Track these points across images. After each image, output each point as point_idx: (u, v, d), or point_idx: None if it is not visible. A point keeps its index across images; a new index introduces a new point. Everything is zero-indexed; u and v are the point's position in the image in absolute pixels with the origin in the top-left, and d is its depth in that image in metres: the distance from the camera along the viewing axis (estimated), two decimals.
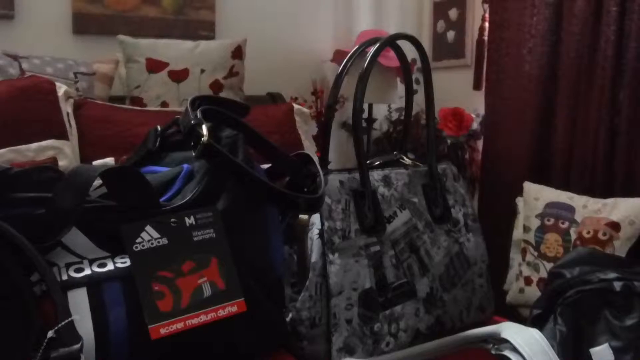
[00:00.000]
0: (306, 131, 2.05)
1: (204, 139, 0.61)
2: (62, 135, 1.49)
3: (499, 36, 2.02)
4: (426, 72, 0.87)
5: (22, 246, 0.50)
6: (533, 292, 1.77)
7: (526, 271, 1.80)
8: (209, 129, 0.62)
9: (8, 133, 1.37)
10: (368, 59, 0.80)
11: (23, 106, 1.44)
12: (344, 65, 0.87)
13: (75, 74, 1.78)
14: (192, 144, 0.62)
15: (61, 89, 1.55)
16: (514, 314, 1.80)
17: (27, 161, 1.33)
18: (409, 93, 0.91)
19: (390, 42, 0.83)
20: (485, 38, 2.18)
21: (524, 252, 1.82)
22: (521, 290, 1.81)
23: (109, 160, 1.44)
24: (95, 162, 1.44)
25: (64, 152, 1.44)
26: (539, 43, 1.84)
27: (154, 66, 1.92)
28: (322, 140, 0.84)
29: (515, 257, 1.88)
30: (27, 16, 2.01)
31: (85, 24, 2.10)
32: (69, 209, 0.52)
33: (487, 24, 2.17)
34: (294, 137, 1.87)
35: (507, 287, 1.88)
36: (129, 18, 2.17)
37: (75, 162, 1.48)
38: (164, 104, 1.91)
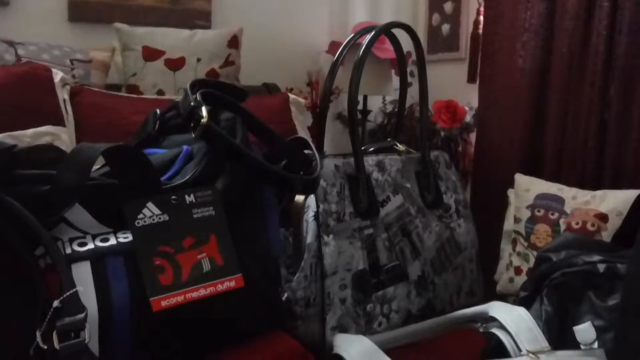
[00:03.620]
0: (302, 121, 2.07)
1: (204, 120, 0.62)
2: (59, 121, 1.49)
3: (493, 30, 2.04)
4: (420, 59, 0.88)
5: (27, 220, 0.51)
6: (522, 282, 1.80)
7: (516, 261, 1.83)
8: (208, 112, 0.64)
9: (5, 119, 1.37)
10: (363, 47, 0.82)
11: (20, 92, 1.44)
12: (339, 54, 0.88)
13: (71, 61, 1.78)
14: (192, 125, 0.64)
15: (58, 75, 1.56)
16: None
17: (23, 147, 1.33)
18: (404, 79, 0.93)
19: (386, 30, 0.85)
20: (480, 31, 2.20)
21: (514, 242, 1.84)
22: (511, 280, 1.83)
23: None
24: None
25: (61, 139, 1.45)
26: (532, 37, 1.86)
27: (150, 54, 1.92)
28: (317, 128, 0.86)
29: (505, 247, 1.90)
30: (22, 3, 2.00)
31: (80, 12, 2.10)
32: (72, 186, 0.53)
33: (482, 18, 2.19)
34: (289, 127, 1.88)
35: (497, 277, 1.91)
36: (125, 6, 2.17)
37: (72, 148, 1.48)
38: (160, 92, 1.92)
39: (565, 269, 0.70)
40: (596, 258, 0.69)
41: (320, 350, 0.76)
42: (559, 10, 1.77)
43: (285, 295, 0.78)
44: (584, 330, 0.63)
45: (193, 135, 0.64)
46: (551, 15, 1.80)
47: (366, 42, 0.82)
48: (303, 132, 2.02)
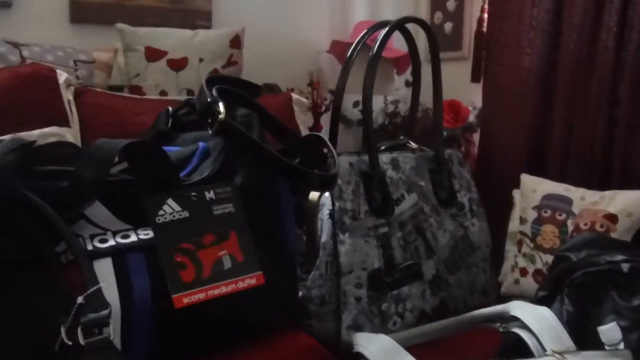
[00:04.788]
0: (304, 121, 2.06)
1: (221, 116, 0.62)
2: (64, 122, 1.48)
3: (498, 27, 2.03)
4: (434, 56, 0.88)
5: (48, 216, 0.50)
6: (528, 283, 1.79)
7: (522, 262, 1.82)
8: (225, 107, 0.63)
9: (11, 120, 1.36)
10: (378, 41, 0.81)
11: (25, 93, 1.43)
12: (350, 54, 0.88)
13: (75, 62, 1.77)
14: (209, 121, 0.63)
15: (62, 76, 1.55)
16: None
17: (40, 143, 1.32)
18: (417, 77, 0.92)
19: (400, 25, 0.85)
20: (484, 29, 2.19)
21: (519, 243, 1.83)
22: (516, 282, 1.83)
23: None
24: None
25: (66, 139, 1.43)
26: (539, 35, 1.85)
27: (153, 55, 1.91)
28: (331, 123, 0.85)
29: (510, 248, 1.89)
30: (24, 4, 1.99)
31: (82, 13, 2.09)
32: (92, 182, 0.52)
33: (486, 15, 2.18)
34: (292, 127, 1.88)
35: (501, 279, 1.90)
36: (126, 7, 2.17)
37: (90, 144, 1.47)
38: (163, 93, 1.91)
39: (587, 268, 0.69)
40: (619, 257, 0.69)
41: (334, 349, 0.76)
42: (567, 6, 1.76)
43: (300, 293, 0.77)
44: (609, 331, 0.63)
45: (210, 132, 0.63)
46: (559, 11, 1.79)
47: (380, 39, 0.82)
48: (305, 132, 2.01)
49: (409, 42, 0.89)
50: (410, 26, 0.87)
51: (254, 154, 0.62)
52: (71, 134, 1.47)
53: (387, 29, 0.82)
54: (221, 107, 0.63)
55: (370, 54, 0.80)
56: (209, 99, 0.64)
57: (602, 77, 1.66)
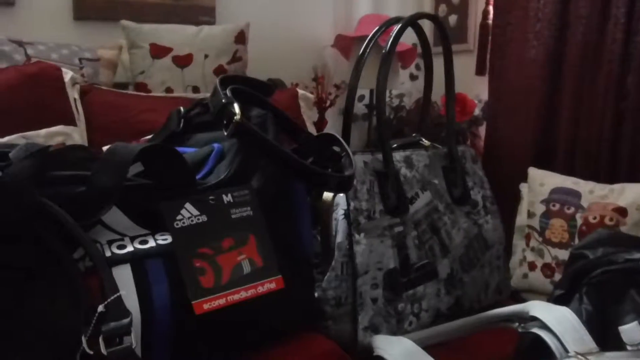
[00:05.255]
0: (310, 117, 2.05)
1: (237, 117, 0.61)
2: (70, 121, 1.48)
3: (504, 20, 2.01)
4: (447, 52, 0.87)
5: (65, 223, 0.50)
6: (537, 278, 1.79)
7: (530, 257, 1.81)
8: (240, 108, 0.62)
9: (17, 119, 1.35)
10: (391, 39, 0.80)
11: (31, 92, 1.42)
12: (363, 51, 0.87)
13: (80, 59, 1.76)
14: (224, 123, 0.62)
15: (68, 74, 1.54)
16: (517, 299, 1.81)
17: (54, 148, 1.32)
18: (429, 73, 0.91)
19: (413, 22, 0.83)
20: (490, 22, 2.17)
21: (527, 237, 1.83)
22: (525, 276, 1.82)
23: None
24: (104, 148, 1.43)
25: (73, 138, 1.43)
26: (545, 27, 1.83)
27: (158, 52, 1.90)
28: (344, 122, 0.85)
29: (518, 243, 1.89)
30: (27, 2, 1.98)
31: (85, 10, 2.07)
32: (109, 187, 0.52)
33: (491, 8, 2.16)
34: (299, 123, 1.87)
35: (510, 273, 1.90)
36: (129, 3, 2.15)
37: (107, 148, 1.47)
38: (169, 90, 1.90)
39: (605, 266, 0.69)
40: (638, 255, 0.68)
41: (351, 350, 0.75)
42: None
43: (316, 295, 0.76)
44: (631, 330, 0.62)
45: (225, 133, 0.63)
46: (566, 2, 1.77)
47: (393, 35, 0.81)
48: (311, 128, 2.00)
49: (421, 39, 0.88)
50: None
51: (270, 155, 0.61)
52: (77, 133, 1.47)
53: (399, 25, 0.81)
54: (236, 108, 0.62)
55: (383, 51, 0.79)
56: (223, 100, 0.63)
57: (610, 69, 1.64)
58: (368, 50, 0.84)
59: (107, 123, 1.59)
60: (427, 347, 0.74)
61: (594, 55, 1.71)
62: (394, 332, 0.78)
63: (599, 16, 1.66)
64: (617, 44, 1.60)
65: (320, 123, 2.39)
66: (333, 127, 2.55)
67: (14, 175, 0.49)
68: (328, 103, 2.43)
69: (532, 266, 1.85)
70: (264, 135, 0.62)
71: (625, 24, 1.58)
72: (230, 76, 0.70)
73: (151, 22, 2.00)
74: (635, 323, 0.63)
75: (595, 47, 1.69)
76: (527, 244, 1.86)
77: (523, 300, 1.92)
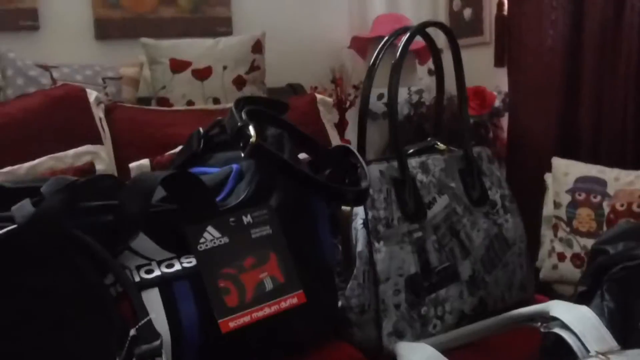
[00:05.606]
0: (330, 120, 2.07)
1: (253, 139, 0.63)
2: (97, 140, 1.53)
3: (519, 10, 2.00)
4: (456, 57, 0.88)
5: (96, 250, 0.53)
6: (567, 268, 1.78)
7: (559, 247, 1.80)
8: (256, 130, 0.65)
9: (46, 141, 1.41)
10: (400, 49, 0.81)
11: (58, 115, 1.48)
12: (376, 56, 0.88)
13: (103, 79, 1.82)
14: (241, 144, 0.65)
15: (92, 95, 1.60)
16: (548, 291, 1.81)
17: (66, 167, 1.37)
18: (440, 80, 0.92)
19: (420, 30, 0.85)
20: (505, 13, 2.16)
21: (555, 228, 1.82)
22: (555, 267, 1.81)
23: (144, 162, 1.48)
24: (131, 165, 1.48)
25: (100, 156, 1.48)
26: (560, 15, 1.82)
27: (177, 66, 1.95)
28: (359, 131, 0.86)
29: (546, 233, 1.88)
30: (51, 26, 2.05)
31: (106, 29, 2.14)
32: (136, 215, 0.55)
33: None
34: (319, 127, 1.89)
35: (539, 265, 1.89)
36: (148, 20, 2.21)
37: (111, 165, 1.52)
38: (190, 103, 1.95)
39: (626, 262, 0.69)
40: None
41: (377, 356, 0.77)
42: None
43: (339, 303, 0.78)
44: None
45: (242, 155, 0.65)
46: None
47: (402, 44, 0.82)
48: (332, 131, 2.02)
49: (431, 47, 0.89)
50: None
51: (286, 174, 0.64)
52: (104, 151, 1.52)
53: (408, 34, 0.82)
54: (252, 130, 0.64)
55: (393, 61, 0.80)
56: (239, 123, 0.66)
57: (629, 54, 1.62)
58: (378, 61, 0.86)
59: (132, 139, 1.64)
60: (451, 350, 0.76)
61: (612, 42, 1.69)
62: (418, 336, 0.80)
63: (616, 2, 1.64)
64: (635, 30, 1.58)
65: (341, 124, 2.41)
66: (354, 127, 2.56)
67: (48, 208, 0.53)
68: (348, 104, 2.45)
69: (561, 257, 1.83)
70: (280, 155, 0.64)
71: None
72: (245, 98, 0.73)
73: (170, 36, 2.05)
74: None
75: (613, 34, 1.67)
76: (555, 235, 1.85)
77: (554, 292, 1.91)
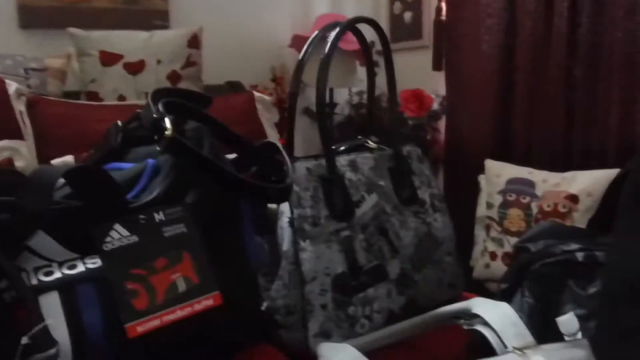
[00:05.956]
0: (269, 119, 2.04)
1: (168, 132, 0.60)
2: (17, 135, 1.44)
3: (456, 16, 2.04)
4: (387, 55, 0.87)
5: None
6: (498, 267, 1.83)
7: (491, 247, 1.85)
8: (172, 123, 0.61)
9: None
10: (329, 44, 0.80)
11: None
12: (304, 51, 0.86)
13: (25, 70, 1.72)
14: (156, 138, 0.61)
15: (11, 86, 1.50)
16: (481, 289, 1.85)
17: None
18: (371, 76, 0.92)
19: (350, 25, 0.84)
20: (443, 18, 2.20)
21: (487, 228, 1.86)
22: (487, 266, 1.86)
23: (69, 159, 1.40)
24: (54, 161, 1.40)
25: (20, 153, 1.39)
26: (495, 22, 1.87)
27: (108, 59, 1.87)
28: (287, 128, 0.84)
29: (479, 233, 1.92)
30: None
31: (32, 17, 2.02)
32: (34, 212, 0.50)
33: (444, 4, 2.19)
34: (256, 126, 1.86)
35: (473, 264, 1.93)
36: (79, 10, 2.11)
37: (33, 162, 1.43)
38: (121, 98, 1.87)
39: (545, 259, 0.70)
40: (574, 246, 0.70)
41: (304, 358, 0.75)
42: None
43: (265, 304, 0.76)
44: (567, 321, 0.64)
45: (157, 149, 0.62)
46: None
47: (331, 40, 0.80)
48: (271, 130, 1.99)
49: (361, 42, 0.88)
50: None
51: (204, 170, 0.61)
52: (25, 147, 1.43)
53: (337, 30, 0.81)
54: (167, 123, 0.61)
55: (321, 57, 0.79)
56: (154, 115, 0.62)
57: (558, 60, 1.69)
58: (307, 56, 0.84)
59: (58, 135, 1.56)
60: (377, 350, 0.75)
61: (542, 48, 1.75)
62: (346, 336, 0.78)
63: (545, 10, 1.70)
64: (563, 37, 1.64)
65: (282, 123, 2.38)
66: (296, 127, 2.55)
67: None
68: (287, 108, 2.43)
69: (493, 256, 1.88)
70: (197, 150, 0.61)
71: (569, 18, 1.62)
72: (163, 89, 0.69)
73: (103, 28, 1.97)
74: (571, 314, 0.65)
75: (543, 40, 1.74)
76: (488, 235, 1.89)
77: (486, 290, 1.96)
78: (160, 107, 0.63)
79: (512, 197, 1.76)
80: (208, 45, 2.13)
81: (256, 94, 1.99)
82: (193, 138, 0.64)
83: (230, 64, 2.37)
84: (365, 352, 0.63)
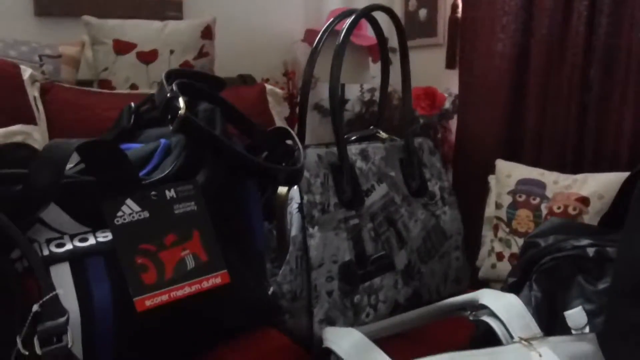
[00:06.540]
0: (279, 112, 2.04)
1: (181, 112, 0.60)
2: (30, 120, 1.45)
3: (472, 14, 2.03)
4: (402, 44, 0.87)
5: (1, 223, 0.49)
6: (505, 268, 1.81)
7: (498, 247, 1.84)
8: (185, 102, 0.62)
9: None
10: (344, 31, 0.80)
11: None
12: (318, 41, 0.87)
13: (40, 56, 1.72)
14: (169, 117, 0.62)
15: (26, 72, 1.51)
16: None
17: None
18: (385, 65, 0.92)
19: (366, 13, 0.83)
20: (459, 16, 2.19)
21: (495, 228, 1.85)
22: (493, 266, 1.85)
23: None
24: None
25: (33, 137, 1.40)
26: (511, 20, 1.85)
27: (121, 48, 1.87)
28: (298, 119, 0.84)
29: (487, 234, 1.91)
30: None
31: (47, 5, 2.03)
32: (47, 185, 0.51)
33: (460, 1, 2.18)
34: (266, 118, 1.86)
35: (479, 264, 1.92)
36: None
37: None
38: (134, 87, 1.88)
39: (555, 254, 0.70)
40: (585, 242, 0.69)
41: (308, 344, 0.75)
42: None
43: (272, 289, 0.76)
44: (575, 315, 0.63)
45: (170, 128, 0.62)
46: None
47: (346, 28, 0.80)
48: (281, 123, 2.00)
49: (376, 31, 0.88)
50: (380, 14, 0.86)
51: (215, 150, 0.61)
52: (38, 132, 1.44)
53: (353, 17, 0.81)
54: (181, 102, 0.61)
55: (335, 46, 0.79)
56: (168, 94, 0.62)
57: (574, 61, 1.67)
58: (321, 45, 0.84)
59: (70, 122, 1.57)
60: (382, 339, 0.75)
61: (558, 48, 1.73)
62: (351, 324, 0.78)
63: (563, 10, 1.68)
64: (580, 37, 1.63)
65: (291, 118, 2.38)
66: (307, 121, 2.54)
67: None
68: (299, 98, 2.42)
69: (499, 256, 1.87)
70: (209, 129, 0.61)
71: (588, 18, 1.60)
72: (177, 70, 0.70)
73: (116, 17, 1.97)
74: (579, 308, 0.64)
75: (560, 40, 1.72)
76: (495, 235, 1.88)
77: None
78: (174, 87, 0.64)
79: (521, 198, 1.75)
80: (221, 38, 2.13)
81: (267, 86, 1.99)
82: (205, 119, 0.65)
83: (242, 57, 2.37)
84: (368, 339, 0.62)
